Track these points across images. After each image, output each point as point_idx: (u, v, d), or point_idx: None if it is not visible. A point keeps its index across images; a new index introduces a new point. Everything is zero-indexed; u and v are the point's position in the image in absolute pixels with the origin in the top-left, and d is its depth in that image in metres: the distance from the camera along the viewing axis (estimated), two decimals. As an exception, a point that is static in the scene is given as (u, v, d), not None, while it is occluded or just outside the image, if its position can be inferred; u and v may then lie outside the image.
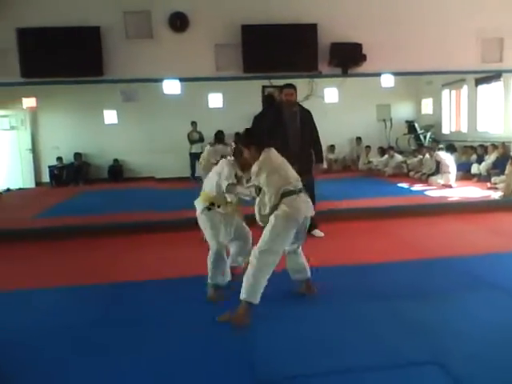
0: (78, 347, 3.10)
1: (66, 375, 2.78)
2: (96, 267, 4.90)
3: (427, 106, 12.99)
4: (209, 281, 3.79)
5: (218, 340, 3.09)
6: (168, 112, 11.09)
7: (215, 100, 11.31)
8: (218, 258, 3.74)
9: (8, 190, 11.32)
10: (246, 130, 3.87)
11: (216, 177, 3.75)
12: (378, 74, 6.95)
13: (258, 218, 3.48)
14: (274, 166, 3.45)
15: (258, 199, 3.47)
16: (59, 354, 3.04)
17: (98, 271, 4.76)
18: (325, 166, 6.09)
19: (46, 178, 12.14)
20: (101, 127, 11.87)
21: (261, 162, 3.44)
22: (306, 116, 5.67)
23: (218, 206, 3.77)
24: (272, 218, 3.35)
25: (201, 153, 11.78)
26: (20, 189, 11.61)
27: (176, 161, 11.34)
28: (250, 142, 3.59)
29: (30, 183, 11.89)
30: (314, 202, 5.71)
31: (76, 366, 2.86)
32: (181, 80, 6.62)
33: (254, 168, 3.44)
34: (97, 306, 3.80)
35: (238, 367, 2.77)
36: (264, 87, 11.71)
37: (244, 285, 3.28)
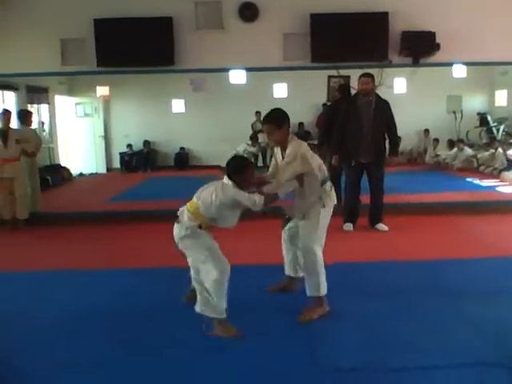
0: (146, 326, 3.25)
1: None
2: (165, 250, 5.08)
3: (501, 98, 12.33)
4: (215, 316, 3.04)
5: (287, 333, 3.11)
6: (234, 101, 11.23)
7: (280, 90, 11.29)
8: (223, 283, 3.02)
9: (81, 174, 11.91)
10: (276, 109, 3.48)
11: (215, 201, 3.04)
12: (451, 64, 6.72)
13: (299, 210, 3.30)
14: (311, 152, 3.25)
15: (298, 189, 3.25)
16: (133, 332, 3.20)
17: (167, 254, 4.93)
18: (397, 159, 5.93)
19: (116, 164, 12.66)
20: (169, 116, 12.19)
21: (302, 147, 3.22)
22: (382, 106, 5.56)
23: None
24: (318, 209, 3.23)
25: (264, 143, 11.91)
26: (92, 174, 12.19)
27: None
28: (283, 122, 3.31)
29: (102, 169, 12.45)
30: (382, 195, 5.71)
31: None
32: (249, 70, 6.69)
33: (294, 152, 3.18)
34: (171, 288, 3.93)
35: (303, 357, 2.80)
36: (330, 77, 11.58)
37: (311, 282, 3.26)
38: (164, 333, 3.14)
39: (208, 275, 3.00)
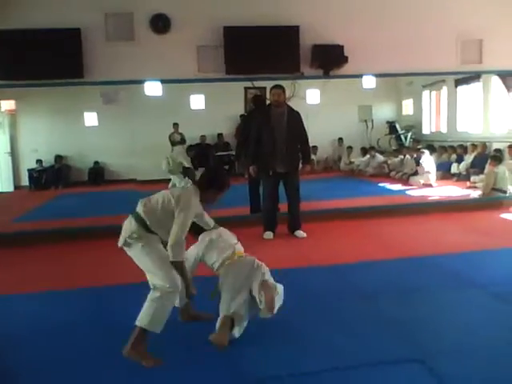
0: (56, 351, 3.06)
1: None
2: (78, 271, 4.86)
3: (408, 107, 13.15)
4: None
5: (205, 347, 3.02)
6: (150, 114, 11.02)
7: (197, 101, 11.28)
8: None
9: (-14, 193, 11.14)
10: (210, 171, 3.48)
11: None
12: (360, 76, 7.02)
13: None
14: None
15: None
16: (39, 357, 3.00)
17: (81, 275, 4.72)
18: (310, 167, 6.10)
19: (25, 181, 11.92)
20: (81, 129, 11.71)
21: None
22: (294, 116, 5.70)
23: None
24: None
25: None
26: (-1, 192, 11.43)
27: (158, 163, 11.25)
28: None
29: (8, 187, 11.69)
30: (298, 203, 5.83)
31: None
32: (163, 82, 6.59)
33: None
34: (81, 309, 3.76)
35: (223, 371, 2.77)
36: (246, 88, 11.73)
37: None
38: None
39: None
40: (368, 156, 11.72)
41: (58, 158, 11.89)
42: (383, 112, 12.91)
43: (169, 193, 3.07)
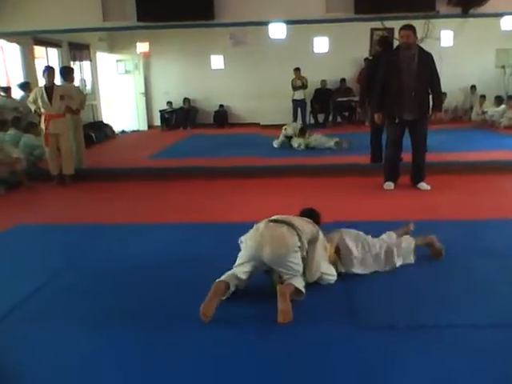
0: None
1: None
2: (207, 206, 5.19)
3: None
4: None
5: (325, 293, 3.11)
6: (273, 57, 11.06)
7: (320, 44, 11.02)
8: None
9: (123, 131, 12.12)
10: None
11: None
12: (502, 15, 6.37)
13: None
14: None
15: None
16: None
17: (209, 210, 5.03)
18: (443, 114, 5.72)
19: (157, 121, 12.79)
20: (208, 72, 12.12)
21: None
22: (426, 59, 5.32)
23: None
24: None
25: (303, 100, 11.72)
26: (134, 131, 12.38)
27: (280, 107, 11.38)
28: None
29: (143, 126, 12.62)
30: (424, 153, 5.58)
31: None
32: (289, 23, 6.55)
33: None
34: (203, 242, 4.02)
35: (342, 316, 2.81)
36: (373, 30, 11.21)
37: None
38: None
39: None
40: (504, 106, 10.73)
41: (186, 100, 12.49)
42: (524, 57, 11.62)
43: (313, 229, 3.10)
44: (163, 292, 3.16)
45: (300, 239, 2.94)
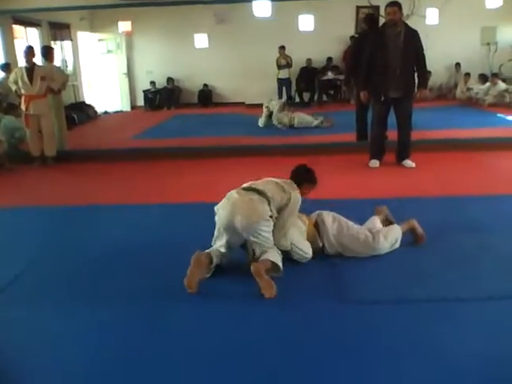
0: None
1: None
2: (192, 186, 5.14)
3: (539, 29, 11.71)
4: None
5: (311, 268, 3.13)
6: (257, 36, 10.93)
7: (306, 22, 10.88)
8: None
9: (105, 112, 11.95)
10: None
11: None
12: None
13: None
14: None
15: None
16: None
17: (193, 190, 4.99)
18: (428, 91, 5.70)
19: (140, 101, 12.62)
20: (191, 51, 11.90)
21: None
22: (411, 36, 5.29)
23: None
24: None
25: (288, 78, 11.63)
26: (117, 111, 12.21)
27: (265, 87, 11.26)
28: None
29: (126, 106, 12.45)
30: (409, 131, 5.58)
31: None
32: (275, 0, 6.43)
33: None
34: (187, 222, 3.99)
35: (326, 290, 2.84)
36: (359, 7, 11.12)
37: None
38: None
39: None
40: (488, 83, 10.76)
41: (170, 79, 12.33)
42: (509, 35, 11.62)
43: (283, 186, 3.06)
44: (147, 272, 3.14)
45: (269, 207, 2.94)
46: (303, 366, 2.19)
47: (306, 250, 3.16)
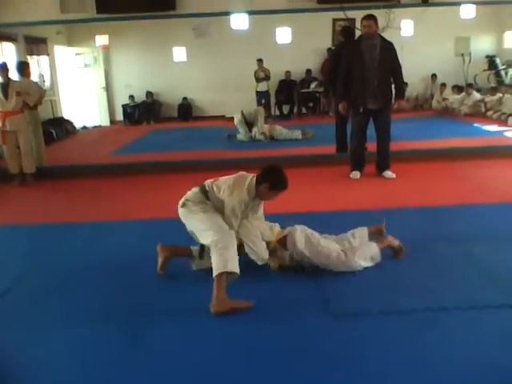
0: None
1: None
2: (171, 202, 5.09)
3: (510, 40, 11.98)
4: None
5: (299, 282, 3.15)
6: (236, 48, 10.96)
7: (283, 35, 10.98)
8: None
9: (84, 127, 11.83)
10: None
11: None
12: (459, 4, 6.49)
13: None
14: None
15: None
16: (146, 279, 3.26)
17: (173, 205, 4.94)
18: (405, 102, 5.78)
19: (119, 116, 12.52)
20: (170, 65, 11.91)
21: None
22: (388, 48, 5.38)
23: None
24: None
25: (267, 91, 11.69)
26: (96, 126, 12.09)
27: (245, 99, 11.28)
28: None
29: (105, 121, 12.33)
30: (388, 142, 5.64)
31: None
32: (253, 13, 6.50)
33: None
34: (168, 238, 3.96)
35: (314, 303, 2.85)
36: (335, 20, 11.26)
37: None
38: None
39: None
40: (463, 94, 10.98)
41: (149, 93, 12.26)
42: (482, 45, 11.88)
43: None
44: (132, 288, 3.12)
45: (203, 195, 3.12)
46: (289, 380, 2.19)
47: (259, 250, 3.17)
